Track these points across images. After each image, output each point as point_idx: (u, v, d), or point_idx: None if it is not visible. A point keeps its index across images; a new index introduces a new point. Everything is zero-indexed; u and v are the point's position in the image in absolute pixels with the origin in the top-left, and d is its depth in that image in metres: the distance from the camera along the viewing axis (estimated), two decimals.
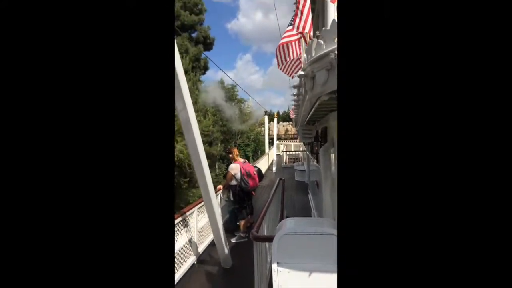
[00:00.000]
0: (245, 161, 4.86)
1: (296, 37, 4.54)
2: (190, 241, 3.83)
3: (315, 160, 6.16)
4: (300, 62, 4.79)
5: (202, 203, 4.03)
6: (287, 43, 4.62)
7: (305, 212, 6.39)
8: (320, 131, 5.21)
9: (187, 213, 3.85)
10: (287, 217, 5.09)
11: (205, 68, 21.51)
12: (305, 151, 12.94)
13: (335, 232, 2.14)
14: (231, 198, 4.68)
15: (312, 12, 5.20)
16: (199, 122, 16.53)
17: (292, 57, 4.78)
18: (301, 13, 3.81)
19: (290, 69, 5.05)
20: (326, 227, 2.26)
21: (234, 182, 4.57)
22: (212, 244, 4.20)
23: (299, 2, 3.77)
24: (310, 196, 7.55)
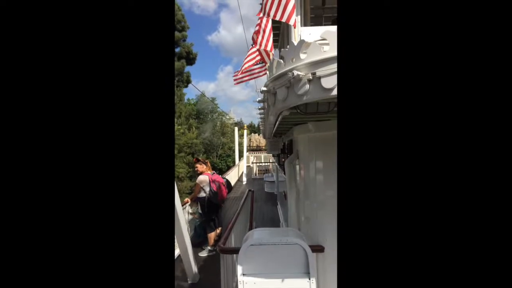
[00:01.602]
0: (214, 173, 4.61)
1: (256, 54, 4.57)
2: None
3: (283, 172, 6.11)
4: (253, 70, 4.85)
5: None
6: (248, 61, 4.67)
7: (274, 223, 6.23)
8: (286, 143, 5.17)
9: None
10: (256, 228, 4.98)
11: (188, 82, 21.42)
12: (274, 162, 12.92)
13: (299, 241, 2.08)
14: (199, 211, 4.43)
15: (277, 30, 5.23)
16: (182, 134, 16.48)
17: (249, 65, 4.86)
18: (264, 31, 3.80)
19: (239, 73, 5.15)
20: (292, 236, 2.20)
21: (202, 194, 4.32)
22: (179, 259, 3.99)
23: (261, 21, 3.77)
24: (279, 206, 7.40)
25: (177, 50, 20.76)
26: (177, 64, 19.81)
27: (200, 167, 4.44)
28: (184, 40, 21.09)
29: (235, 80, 5.54)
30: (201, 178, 4.34)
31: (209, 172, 4.48)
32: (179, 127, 16.89)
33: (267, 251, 2.08)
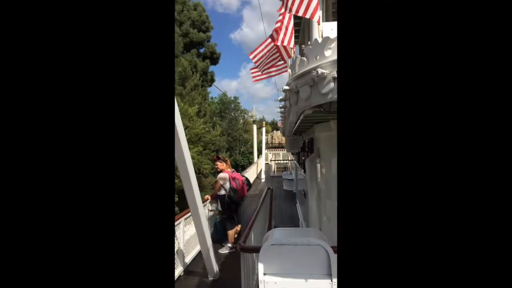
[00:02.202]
0: (233, 171, 4.57)
1: (275, 50, 4.48)
2: (177, 252, 3.59)
3: (303, 170, 5.95)
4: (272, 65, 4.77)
5: (189, 214, 3.78)
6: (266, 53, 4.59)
7: (293, 221, 6.11)
8: (306, 141, 5.02)
9: (175, 223, 3.63)
10: (275, 226, 4.88)
11: (212, 81, 21.67)
12: (293, 160, 12.59)
13: (321, 242, 2.02)
14: (219, 208, 4.38)
15: (297, 26, 5.08)
16: (207, 132, 16.79)
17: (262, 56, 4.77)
18: (286, 28, 3.70)
19: (257, 71, 5.05)
20: (313, 237, 2.14)
21: (222, 192, 4.28)
22: (199, 255, 3.94)
23: (283, 17, 3.66)
24: (298, 205, 7.25)
25: (201, 50, 21.01)
26: (202, 64, 20.05)
27: (220, 165, 4.38)
28: (208, 41, 21.29)
29: (253, 77, 5.46)
30: (221, 175, 4.29)
31: (229, 170, 4.43)
32: (204, 125, 17.12)
33: (288, 251, 2.03)
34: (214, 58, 21.70)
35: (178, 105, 16.72)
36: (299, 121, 3.42)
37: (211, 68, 21.37)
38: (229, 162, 4.54)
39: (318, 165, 3.91)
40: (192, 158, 14.09)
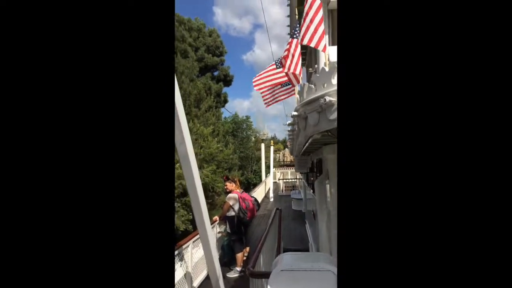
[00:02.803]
0: (243, 191, 4.45)
1: (281, 74, 4.56)
2: (185, 275, 3.48)
3: (311, 190, 5.83)
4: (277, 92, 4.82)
5: (198, 236, 3.71)
6: (271, 80, 4.67)
7: (302, 242, 5.88)
8: (315, 162, 4.95)
9: (183, 246, 3.53)
10: (284, 249, 4.73)
11: (225, 101, 22.14)
12: (301, 179, 12.19)
13: (332, 268, 1.93)
14: (228, 230, 4.24)
15: (304, 49, 5.16)
16: (220, 151, 16.95)
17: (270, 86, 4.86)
18: (292, 56, 3.78)
19: (269, 95, 5.11)
20: (323, 262, 2.04)
21: (232, 213, 4.15)
22: (207, 280, 3.82)
23: (290, 46, 3.75)
24: (307, 226, 7.00)
25: (215, 73, 21.62)
26: (216, 86, 20.57)
27: (229, 185, 4.31)
28: (222, 64, 21.94)
29: (265, 103, 5.53)
30: (230, 196, 4.20)
31: (238, 190, 4.33)
32: (218, 145, 17.31)
33: (298, 277, 1.96)
34: (227, 80, 22.27)
35: (194, 126, 16.77)
36: (307, 143, 3.41)
37: (224, 89, 21.90)
38: (238, 183, 4.45)
39: (327, 187, 3.84)
40: (206, 176, 14.09)
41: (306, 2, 3.28)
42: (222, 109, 21.56)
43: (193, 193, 2.83)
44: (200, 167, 15.00)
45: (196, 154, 15.66)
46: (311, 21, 3.31)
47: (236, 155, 19.28)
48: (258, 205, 4.71)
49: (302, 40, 3.32)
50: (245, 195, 4.34)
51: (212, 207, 14.64)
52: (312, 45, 3.24)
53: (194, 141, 15.74)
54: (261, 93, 5.44)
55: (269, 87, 5.17)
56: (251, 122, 26.39)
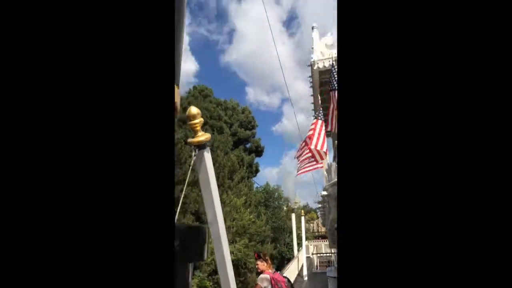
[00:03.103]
0: (275, 271, 4.16)
1: (307, 152, 4.85)
2: None
3: None
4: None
5: None
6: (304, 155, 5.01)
7: None
8: None
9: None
10: None
11: (257, 171, 22.58)
12: (336, 253, 11.11)
13: None
14: None
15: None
16: (253, 223, 16.44)
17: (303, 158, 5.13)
18: (319, 134, 4.09)
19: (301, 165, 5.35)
20: None
21: None
22: None
23: (315, 125, 4.10)
24: None
25: (247, 145, 22.76)
26: (248, 157, 21.38)
27: (260, 264, 4.07)
28: (254, 137, 23.24)
29: (298, 173, 5.77)
30: (262, 277, 3.93)
31: (270, 270, 4.05)
32: (251, 216, 17.01)
33: None
34: (258, 151, 23.19)
35: (228, 198, 16.61)
36: None
37: (256, 159, 22.64)
38: (270, 261, 4.21)
39: None
40: (238, 251, 13.34)
41: (333, 95, 3.73)
42: (256, 178, 21.85)
43: (225, 279, 2.65)
44: (232, 241, 14.51)
45: (228, 227, 15.09)
46: (333, 109, 3.68)
47: (269, 226, 18.60)
48: (292, 286, 4.41)
49: (327, 127, 3.67)
50: (277, 275, 4.06)
51: (244, 286, 13.56)
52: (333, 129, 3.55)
53: (228, 213, 15.69)
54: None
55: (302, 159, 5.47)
56: (282, 190, 26.12)
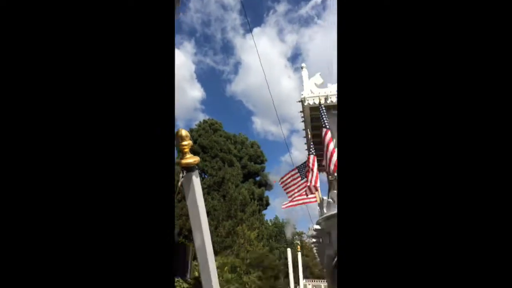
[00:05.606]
0: None
1: (307, 195, 4.62)
2: None
3: None
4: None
5: None
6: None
7: None
8: None
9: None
10: None
11: (267, 204, 21.94)
12: None
13: None
14: None
15: (320, 151, 5.36)
16: (266, 256, 15.71)
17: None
18: (312, 170, 3.98)
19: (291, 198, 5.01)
20: None
21: None
22: None
23: (308, 161, 4.01)
24: None
25: (257, 178, 22.43)
26: (258, 191, 20.95)
27: None
28: (263, 171, 22.97)
29: (283, 206, 5.47)
30: None
31: None
32: (264, 249, 16.21)
33: None
34: (268, 185, 22.78)
35: (241, 230, 16.24)
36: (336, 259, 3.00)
37: (266, 193, 22.12)
38: None
39: None
40: (253, 283, 12.53)
41: (324, 136, 3.63)
42: (267, 211, 21.16)
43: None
44: (247, 272, 13.70)
45: (242, 259, 14.45)
46: (326, 149, 3.56)
47: (282, 261, 17.55)
48: None
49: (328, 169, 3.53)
50: None
51: None
52: (330, 171, 3.38)
53: (241, 245, 15.12)
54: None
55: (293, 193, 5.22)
56: (295, 225, 25.05)
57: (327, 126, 3.54)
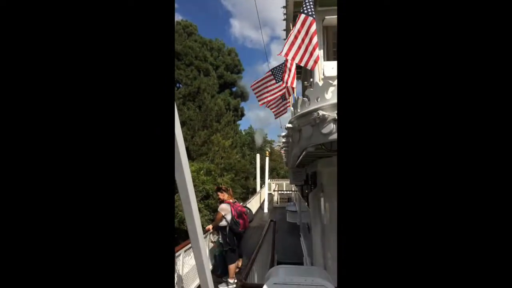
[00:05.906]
0: (235, 201, 4.07)
1: (281, 88, 4.53)
2: (176, 284, 3.28)
3: (306, 202, 5.46)
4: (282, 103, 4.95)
5: (189, 245, 3.44)
6: (274, 94, 4.67)
7: (297, 256, 5.45)
8: (310, 174, 4.66)
9: (175, 254, 3.27)
10: (278, 262, 4.42)
11: (242, 115, 22.32)
12: (296, 191, 11.20)
13: (325, 283, 1.78)
14: (220, 241, 3.87)
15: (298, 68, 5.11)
16: (239, 162, 17.11)
17: (273, 98, 4.82)
18: (289, 70, 3.72)
19: (276, 108, 5.00)
20: (317, 276, 1.88)
21: (224, 223, 3.79)
22: None
23: (287, 61, 3.69)
24: (302, 239, 6.50)
25: (234, 89, 21.96)
26: (234, 101, 20.83)
27: (221, 195, 3.97)
28: (240, 80, 22.29)
29: (275, 115, 5.44)
30: (222, 206, 3.84)
31: (230, 200, 3.96)
32: (237, 156, 17.49)
33: None
34: (244, 96, 22.55)
35: (216, 139, 16.72)
36: (302, 156, 3.22)
37: (242, 104, 22.12)
38: (231, 192, 4.13)
39: (322, 200, 3.58)
40: (226, 183, 14.05)
41: (298, 19, 3.15)
42: (242, 121, 21.73)
43: (186, 199, 2.53)
44: (221, 175, 14.99)
45: (217, 164, 15.57)
46: (303, 40, 3.18)
47: (252, 165, 19.23)
48: (251, 216, 4.39)
49: (293, 59, 3.19)
50: (237, 205, 4.00)
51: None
52: (302, 64, 3.10)
53: (217, 152, 16.07)
54: (268, 106, 5.36)
55: (275, 100, 5.11)
56: (266, 134, 26.33)
57: (313, 16, 3.08)
